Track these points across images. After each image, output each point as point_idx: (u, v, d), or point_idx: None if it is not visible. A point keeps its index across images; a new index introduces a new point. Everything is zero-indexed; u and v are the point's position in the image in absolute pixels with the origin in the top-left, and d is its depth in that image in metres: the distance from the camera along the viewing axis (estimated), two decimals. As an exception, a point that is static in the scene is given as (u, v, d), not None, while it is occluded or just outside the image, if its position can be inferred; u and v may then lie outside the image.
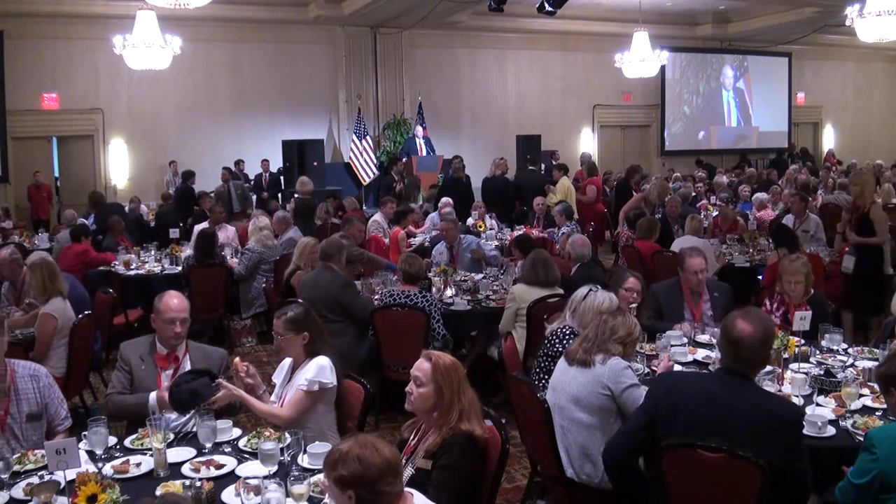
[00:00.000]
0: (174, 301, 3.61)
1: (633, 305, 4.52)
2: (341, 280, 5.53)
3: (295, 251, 6.54)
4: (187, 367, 3.58)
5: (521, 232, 8.89)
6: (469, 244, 7.50)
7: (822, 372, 3.85)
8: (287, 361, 3.64)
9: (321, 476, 2.80)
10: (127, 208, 11.70)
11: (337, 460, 2.20)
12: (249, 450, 3.08)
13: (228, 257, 7.90)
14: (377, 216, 9.22)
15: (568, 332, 4.03)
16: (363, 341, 5.45)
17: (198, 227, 8.34)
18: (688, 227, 7.80)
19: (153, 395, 3.43)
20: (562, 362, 3.65)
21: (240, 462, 2.99)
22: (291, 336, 3.49)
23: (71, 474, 2.71)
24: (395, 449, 2.33)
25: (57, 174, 14.59)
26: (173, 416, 3.40)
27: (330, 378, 3.43)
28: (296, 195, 10.53)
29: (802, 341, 4.25)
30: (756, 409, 2.79)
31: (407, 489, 2.32)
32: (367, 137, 15.03)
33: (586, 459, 3.43)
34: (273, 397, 3.58)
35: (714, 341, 4.38)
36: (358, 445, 2.21)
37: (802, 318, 4.25)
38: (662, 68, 16.38)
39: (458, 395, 2.82)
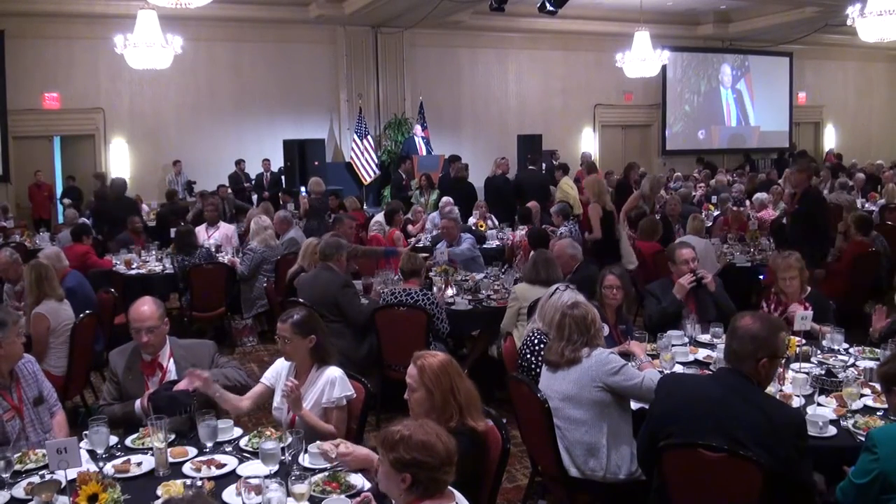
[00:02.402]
0: (142, 308, 3.47)
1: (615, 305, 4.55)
2: (341, 280, 5.49)
3: (300, 252, 6.51)
4: (172, 369, 3.53)
5: (523, 231, 8.86)
6: (466, 242, 7.46)
7: (823, 372, 3.85)
8: (282, 364, 3.56)
9: (322, 476, 2.81)
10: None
11: (398, 442, 2.21)
12: (250, 449, 3.08)
13: (229, 257, 7.92)
14: (379, 216, 9.21)
15: (537, 339, 3.99)
16: (364, 341, 5.43)
17: (198, 228, 8.42)
18: (689, 227, 7.79)
19: (138, 403, 3.41)
20: (545, 372, 3.64)
21: (241, 461, 2.99)
22: (298, 340, 3.41)
23: (72, 474, 2.71)
24: (454, 439, 2.34)
25: (67, 173, 14.53)
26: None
27: (351, 389, 3.44)
28: (311, 195, 10.45)
29: (803, 341, 4.25)
30: (757, 413, 2.77)
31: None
32: (368, 137, 15.03)
33: (589, 455, 3.42)
34: (276, 402, 3.53)
35: (714, 341, 4.39)
36: (423, 431, 2.23)
37: (804, 318, 4.25)
38: (663, 68, 16.35)
39: (451, 393, 2.81)
